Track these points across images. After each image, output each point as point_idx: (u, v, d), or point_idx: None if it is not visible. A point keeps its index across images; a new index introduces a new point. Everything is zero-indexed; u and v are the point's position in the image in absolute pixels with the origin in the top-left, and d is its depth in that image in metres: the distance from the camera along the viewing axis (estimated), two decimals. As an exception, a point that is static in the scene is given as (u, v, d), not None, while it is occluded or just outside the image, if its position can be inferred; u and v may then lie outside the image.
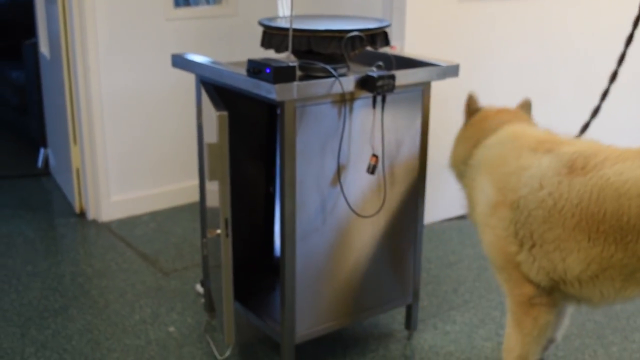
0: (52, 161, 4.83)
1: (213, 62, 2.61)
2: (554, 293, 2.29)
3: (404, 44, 3.65)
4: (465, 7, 3.87)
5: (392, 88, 2.41)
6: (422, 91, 2.64)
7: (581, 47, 4.56)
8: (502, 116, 2.55)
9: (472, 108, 2.64)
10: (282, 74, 2.22)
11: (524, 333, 2.35)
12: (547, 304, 2.31)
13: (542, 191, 2.17)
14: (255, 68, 2.29)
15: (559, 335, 2.69)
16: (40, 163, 4.98)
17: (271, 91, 2.22)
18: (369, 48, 2.55)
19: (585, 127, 3.07)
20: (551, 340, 2.68)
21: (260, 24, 2.59)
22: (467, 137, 2.58)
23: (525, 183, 2.21)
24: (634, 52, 3.15)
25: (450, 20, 3.83)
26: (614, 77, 3.14)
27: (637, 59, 3.33)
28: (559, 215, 2.14)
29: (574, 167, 2.15)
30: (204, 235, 2.96)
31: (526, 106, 2.65)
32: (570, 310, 2.67)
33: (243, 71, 2.39)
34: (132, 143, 4.13)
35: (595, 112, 3.13)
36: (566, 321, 2.68)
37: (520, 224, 2.22)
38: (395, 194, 2.69)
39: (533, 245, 2.21)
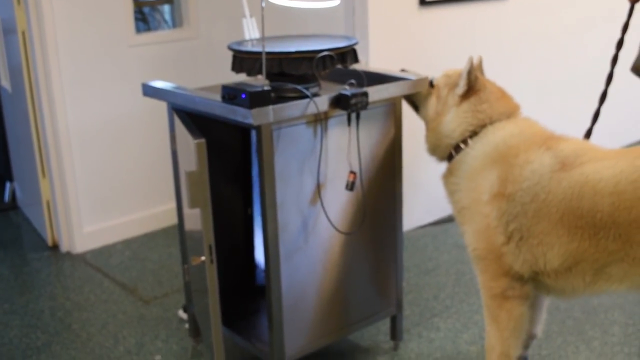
0: (19, 195, 4.77)
1: (185, 90, 2.61)
2: (526, 285, 2.35)
3: (369, 58, 3.69)
4: (426, 16, 3.94)
5: (365, 105, 2.44)
6: (394, 105, 2.68)
7: (544, 51, 4.67)
8: (513, 102, 2.55)
9: (476, 78, 2.52)
10: (257, 99, 2.23)
11: (501, 328, 2.40)
12: (520, 297, 2.36)
13: (537, 185, 2.22)
14: (230, 94, 2.30)
15: (539, 330, 2.74)
16: (6, 197, 4.91)
17: (247, 116, 2.24)
18: (339, 66, 2.58)
19: (588, 133, 3.20)
20: (531, 337, 2.72)
21: (230, 48, 2.60)
22: (475, 111, 2.48)
23: (526, 177, 2.25)
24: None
25: (413, 30, 3.89)
26: (610, 77, 3.25)
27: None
28: (546, 210, 2.20)
29: (565, 163, 2.22)
30: (185, 261, 2.95)
31: (480, 64, 2.66)
32: (546, 304, 2.72)
33: (214, 96, 2.41)
34: (102, 172, 4.10)
35: (596, 116, 3.26)
36: (543, 315, 2.73)
37: (512, 216, 2.26)
38: (375, 208, 2.72)
39: (521, 238, 2.26)
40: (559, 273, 2.26)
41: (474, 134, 2.46)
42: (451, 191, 2.53)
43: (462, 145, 2.48)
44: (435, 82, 2.63)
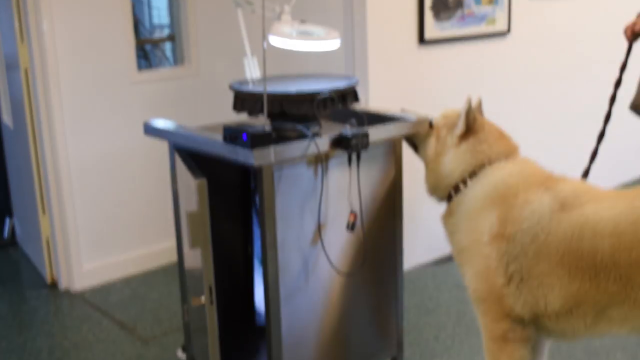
0: (18, 231, 4.76)
1: (186, 130, 2.62)
2: (527, 328, 2.33)
3: (369, 96, 3.71)
4: (425, 55, 3.96)
5: (366, 145, 2.45)
6: (394, 145, 2.69)
7: (543, 89, 4.70)
8: (512, 142, 2.54)
9: (474, 118, 2.50)
10: (259, 140, 2.25)
11: None
12: (521, 339, 2.34)
13: (537, 226, 2.21)
14: (232, 134, 2.31)
15: None
16: (6, 233, 4.90)
17: (249, 157, 2.24)
18: (340, 106, 2.60)
19: (586, 172, 3.20)
20: None
21: (232, 88, 2.62)
22: (474, 151, 2.46)
23: (526, 217, 2.23)
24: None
25: (412, 69, 3.92)
26: (608, 116, 3.27)
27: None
28: (546, 251, 2.19)
29: (565, 204, 2.21)
30: (184, 301, 2.94)
31: (479, 106, 2.65)
32: (548, 346, 2.69)
33: (216, 137, 2.42)
34: (101, 209, 4.10)
35: (594, 155, 3.26)
36: (545, 358, 2.70)
37: (512, 257, 2.24)
38: (375, 248, 2.71)
39: (521, 280, 2.24)
40: (560, 315, 2.24)
41: (473, 174, 2.44)
42: (451, 232, 2.51)
43: (461, 186, 2.46)
44: (434, 123, 2.63)
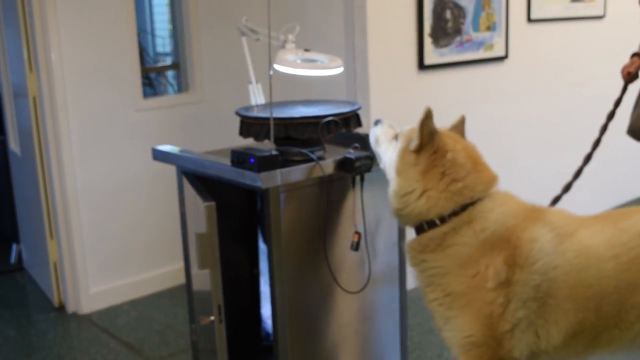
0: (25, 256, 4.83)
1: (194, 154, 2.70)
2: None
3: (371, 121, 3.79)
4: (425, 80, 4.06)
5: (369, 168, 2.53)
6: (396, 167, 2.76)
7: (541, 112, 4.79)
8: (490, 173, 2.24)
9: (431, 133, 2.16)
10: (266, 163, 2.32)
11: None
12: None
13: (546, 264, 2.08)
14: (239, 158, 2.39)
15: None
16: (13, 259, 4.96)
17: (256, 180, 2.32)
18: (343, 130, 2.68)
19: (556, 200, 3.19)
20: None
21: (238, 114, 2.70)
22: (449, 192, 2.16)
23: (535, 257, 2.09)
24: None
25: (413, 93, 4.01)
26: (597, 143, 3.31)
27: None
28: (555, 286, 2.08)
29: (562, 234, 2.12)
30: (192, 321, 3.00)
31: (461, 124, 2.37)
32: None
33: (224, 160, 2.49)
34: (108, 232, 4.17)
35: (577, 174, 3.28)
36: None
37: (522, 302, 2.09)
38: (379, 268, 2.78)
39: (528, 324, 2.11)
40: (557, 349, 2.15)
41: (453, 214, 2.17)
42: (430, 270, 2.21)
43: (437, 222, 2.17)
44: (400, 133, 2.33)
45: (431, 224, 2.18)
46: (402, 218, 2.25)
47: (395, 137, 2.32)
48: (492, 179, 2.23)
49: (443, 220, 2.16)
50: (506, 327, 2.11)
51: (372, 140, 2.44)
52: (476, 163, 2.22)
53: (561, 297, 2.08)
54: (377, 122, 2.46)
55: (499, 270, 2.10)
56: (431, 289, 2.22)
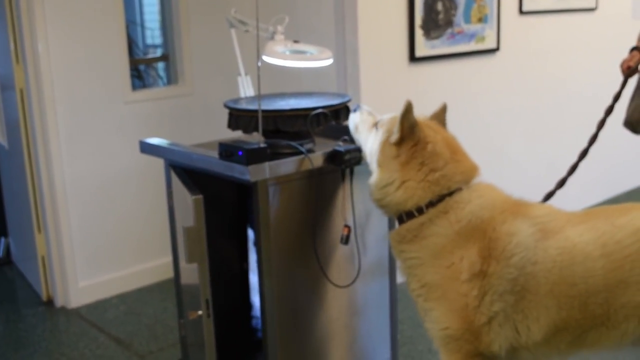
0: (14, 250, 4.79)
1: (182, 147, 2.67)
2: None
3: (361, 113, 3.77)
4: (416, 72, 4.04)
5: (358, 161, 2.50)
6: (386, 160, 2.73)
7: (533, 104, 4.78)
8: (470, 163, 2.23)
9: (412, 126, 2.16)
10: (254, 156, 2.29)
11: None
12: None
13: (524, 259, 2.05)
14: (227, 151, 2.36)
15: None
16: (1, 252, 4.92)
17: (244, 173, 2.29)
18: (332, 122, 2.65)
19: (549, 195, 3.16)
20: None
21: (226, 106, 2.67)
22: (427, 182, 2.16)
23: (512, 251, 2.06)
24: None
25: (403, 86, 3.99)
26: (594, 138, 3.28)
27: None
28: (534, 282, 2.05)
29: (545, 230, 2.08)
30: (181, 315, 2.97)
31: (442, 113, 2.35)
32: None
33: (212, 153, 2.46)
34: (97, 226, 4.14)
35: (573, 169, 3.26)
36: None
37: (497, 295, 2.06)
38: (369, 261, 2.76)
39: (505, 317, 2.08)
40: (538, 345, 2.12)
41: (430, 205, 2.16)
42: (409, 261, 2.22)
43: (415, 213, 2.17)
44: (380, 121, 2.31)
45: (410, 215, 2.18)
46: (383, 208, 2.26)
47: (375, 125, 2.31)
48: (471, 169, 2.22)
49: (420, 211, 2.17)
50: (482, 320, 2.09)
51: (351, 126, 2.45)
52: (455, 152, 2.21)
53: (542, 293, 2.05)
54: (355, 109, 2.45)
55: (473, 262, 2.09)
56: (409, 279, 2.23)
